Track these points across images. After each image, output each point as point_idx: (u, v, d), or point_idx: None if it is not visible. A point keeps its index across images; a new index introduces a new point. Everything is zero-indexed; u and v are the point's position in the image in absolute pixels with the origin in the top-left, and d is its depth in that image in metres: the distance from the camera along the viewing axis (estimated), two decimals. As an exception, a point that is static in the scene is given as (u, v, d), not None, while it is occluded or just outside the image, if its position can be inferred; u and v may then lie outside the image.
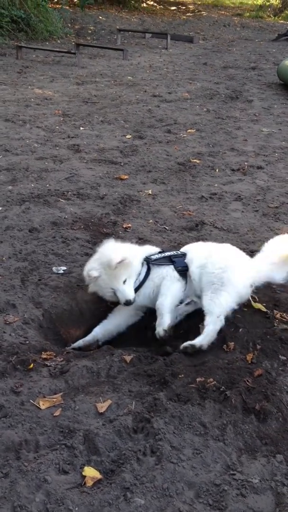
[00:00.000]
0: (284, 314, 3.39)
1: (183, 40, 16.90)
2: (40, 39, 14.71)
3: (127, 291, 3.19)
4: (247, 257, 3.48)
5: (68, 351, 3.12)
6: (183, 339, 3.16)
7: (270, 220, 4.90)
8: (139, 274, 3.32)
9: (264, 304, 3.50)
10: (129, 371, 2.89)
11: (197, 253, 3.43)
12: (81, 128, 7.46)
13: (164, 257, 3.42)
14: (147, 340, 3.32)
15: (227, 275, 3.19)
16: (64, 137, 7.00)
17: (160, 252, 3.50)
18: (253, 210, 5.12)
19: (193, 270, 3.33)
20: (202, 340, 3.04)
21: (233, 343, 3.08)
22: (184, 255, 3.45)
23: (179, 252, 3.49)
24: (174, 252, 3.50)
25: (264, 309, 3.36)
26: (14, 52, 12.59)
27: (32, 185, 5.39)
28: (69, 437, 2.42)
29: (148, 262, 3.38)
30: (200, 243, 3.74)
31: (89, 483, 2.20)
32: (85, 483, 2.20)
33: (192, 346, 3.02)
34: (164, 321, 3.16)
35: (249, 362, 2.92)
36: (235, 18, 24.43)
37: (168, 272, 3.34)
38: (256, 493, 2.20)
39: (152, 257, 3.40)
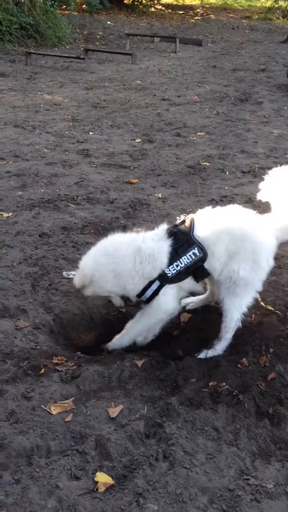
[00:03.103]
0: (297, 316, 3.37)
1: (192, 44, 16.90)
2: (49, 45, 14.78)
3: (113, 300, 3.14)
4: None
5: (79, 356, 3.10)
6: (193, 341, 3.14)
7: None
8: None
9: (277, 307, 3.47)
10: (141, 376, 2.87)
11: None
12: (91, 133, 7.47)
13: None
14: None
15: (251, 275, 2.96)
16: (73, 142, 7.01)
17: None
18: (264, 212, 5.07)
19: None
20: (221, 347, 3.04)
21: (246, 346, 3.05)
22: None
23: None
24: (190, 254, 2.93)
25: (273, 310, 3.33)
26: (24, 59, 12.65)
27: (42, 190, 5.40)
28: (81, 443, 2.40)
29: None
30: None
31: (101, 488, 2.18)
32: (97, 489, 2.18)
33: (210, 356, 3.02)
34: (122, 342, 3.14)
35: (262, 365, 2.90)
36: (244, 21, 24.40)
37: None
38: (271, 498, 2.17)
39: (167, 273, 2.94)
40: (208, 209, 3.11)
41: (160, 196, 5.38)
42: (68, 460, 2.29)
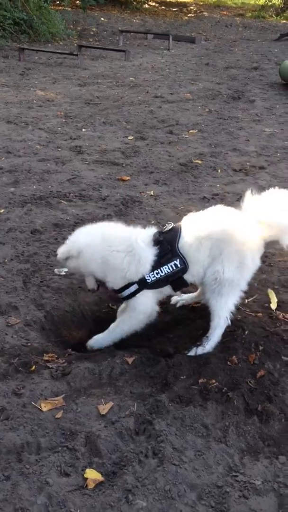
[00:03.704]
0: (287, 314, 3.39)
1: (185, 41, 16.88)
2: (43, 41, 14.73)
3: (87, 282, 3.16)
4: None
5: (70, 353, 3.11)
6: (183, 338, 3.16)
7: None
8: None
9: (266, 305, 3.50)
10: (131, 373, 2.89)
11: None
12: (83, 130, 7.46)
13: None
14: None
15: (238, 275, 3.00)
16: (66, 139, 7.00)
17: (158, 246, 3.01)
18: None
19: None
20: (210, 345, 3.06)
21: (235, 344, 3.07)
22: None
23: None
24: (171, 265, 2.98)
25: (275, 298, 3.37)
26: (17, 54, 12.61)
27: (34, 186, 5.39)
28: (71, 439, 2.41)
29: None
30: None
31: (91, 485, 2.19)
32: (86, 486, 2.19)
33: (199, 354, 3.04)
34: (102, 342, 3.17)
35: (251, 363, 2.92)
36: (237, 19, 24.40)
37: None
38: (259, 494, 2.20)
39: (147, 279, 2.98)
40: (191, 215, 3.15)
41: (152, 194, 5.39)
42: (58, 457, 2.31)
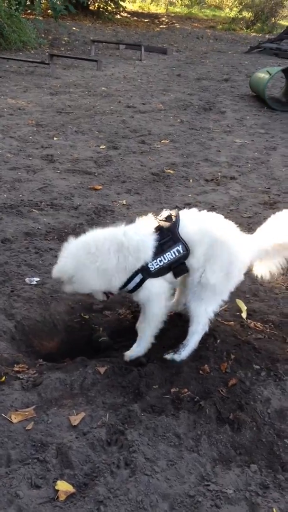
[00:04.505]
0: (258, 323, 3.42)
1: (157, 52, 17.02)
2: (14, 49, 14.65)
3: (96, 296, 3.09)
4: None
5: (41, 363, 3.08)
6: (156, 347, 3.15)
7: (244, 230, 4.91)
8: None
9: (237, 313, 3.52)
10: (103, 383, 2.87)
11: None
12: (55, 138, 7.43)
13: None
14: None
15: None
16: (37, 147, 6.97)
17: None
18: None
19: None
20: (187, 351, 3.07)
21: (207, 353, 3.08)
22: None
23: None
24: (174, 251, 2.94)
25: (244, 307, 3.39)
26: (-13, 62, 12.52)
27: (5, 195, 5.34)
28: (42, 451, 2.38)
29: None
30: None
31: (62, 497, 2.17)
32: (58, 497, 2.16)
33: (173, 360, 3.04)
34: (141, 349, 3.13)
35: (223, 371, 2.93)
36: (208, 31, 24.73)
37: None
38: (231, 503, 2.20)
39: (150, 267, 2.93)
40: (193, 210, 3.11)
41: (125, 203, 5.39)
42: (29, 469, 2.27)
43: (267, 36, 23.21)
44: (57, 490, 2.19)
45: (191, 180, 6.19)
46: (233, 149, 7.54)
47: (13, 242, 4.38)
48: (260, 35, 24.45)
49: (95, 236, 3.00)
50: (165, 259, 2.92)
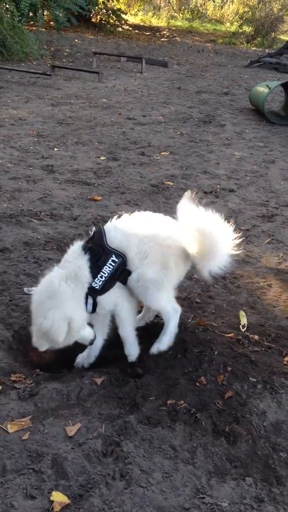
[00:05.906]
0: (255, 336, 3.43)
1: (158, 65, 17.13)
2: (16, 60, 14.75)
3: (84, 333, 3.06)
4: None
5: (38, 373, 3.08)
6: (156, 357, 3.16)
7: (242, 243, 4.95)
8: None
9: (235, 326, 3.53)
10: (100, 394, 2.87)
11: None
12: (55, 149, 7.47)
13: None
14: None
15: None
16: (38, 158, 7.00)
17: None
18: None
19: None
20: (168, 338, 3.15)
21: (204, 365, 3.08)
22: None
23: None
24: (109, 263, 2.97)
25: (245, 318, 3.42)
26: (-11, 72, 12.61)
27: (5, 205, 5.37)
28: (37, 461, 2.38)
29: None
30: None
31: (57, 508, 2.16)
32: (52, 509, 2.16)
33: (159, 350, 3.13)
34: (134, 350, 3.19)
35: (220, 384, 2.93)
36: (209, 44, 24.91)
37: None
38: (226, 516, 2.19)
39: (95, 286, 2.96)
40: (115, 218, 3.14)
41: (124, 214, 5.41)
42: (24, 479, 2.27)
43: (267, 50, 23.36)
44: (52, 501, 2.19)
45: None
46: (232, 162, 7.58)
47: (12, 252, 4.39)
48: (260, 49, 24.61)
49: (48, 277, 3.00)
50: (105, 274, 2.95)
